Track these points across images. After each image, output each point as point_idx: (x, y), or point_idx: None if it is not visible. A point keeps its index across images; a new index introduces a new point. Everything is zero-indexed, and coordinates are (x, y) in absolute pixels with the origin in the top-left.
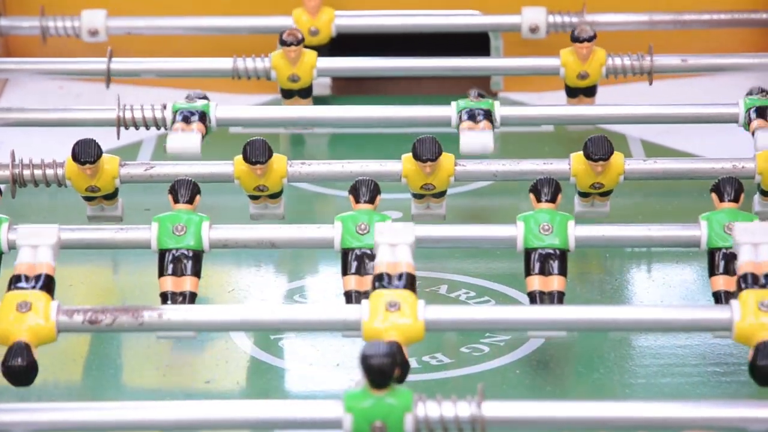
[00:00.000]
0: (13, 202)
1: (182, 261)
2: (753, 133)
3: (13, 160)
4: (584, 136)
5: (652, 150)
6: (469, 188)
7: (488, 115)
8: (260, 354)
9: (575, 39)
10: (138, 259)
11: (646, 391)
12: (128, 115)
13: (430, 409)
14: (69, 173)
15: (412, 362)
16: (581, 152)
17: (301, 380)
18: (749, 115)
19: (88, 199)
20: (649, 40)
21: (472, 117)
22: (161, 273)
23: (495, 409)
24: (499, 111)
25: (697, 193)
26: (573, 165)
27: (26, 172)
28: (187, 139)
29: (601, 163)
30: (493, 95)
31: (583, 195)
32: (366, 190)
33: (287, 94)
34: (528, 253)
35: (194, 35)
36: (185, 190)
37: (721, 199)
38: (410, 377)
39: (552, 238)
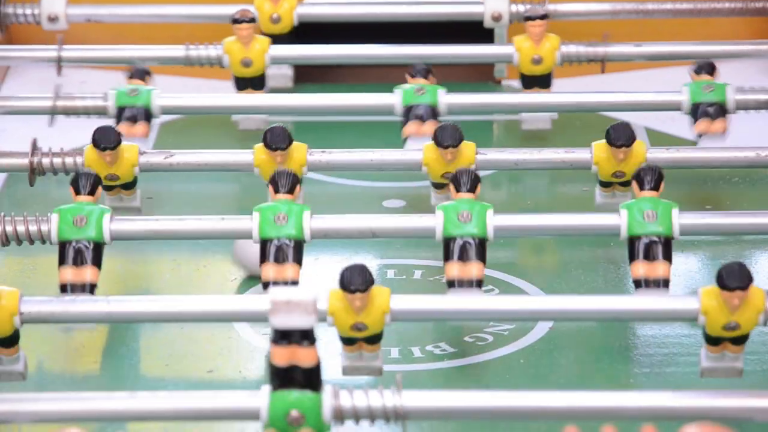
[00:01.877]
0: (31, 190)
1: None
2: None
3: (34, 148)
4: (587, 124)
5: (657, 138)
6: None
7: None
8: (263, 343)
9: (527, 18)
10: (146, 246)
11: (650, 381)
12: (69, 103)
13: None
14: (88, 161)
15: (416, 351)
16: (603, 140)
17: None
18: (693, 111)
19: (106, 188)
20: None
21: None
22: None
23: (480, 398)
24: (449, 99)
25: (702, 181)
26: (595, 153)
27: (45, 161)
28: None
29: (623, 149)
30: (497, 83)
31: (605, 185)
32: (467, 179)
33: (240, 84)
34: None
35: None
36: (285, 180)
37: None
38: (416, 366)
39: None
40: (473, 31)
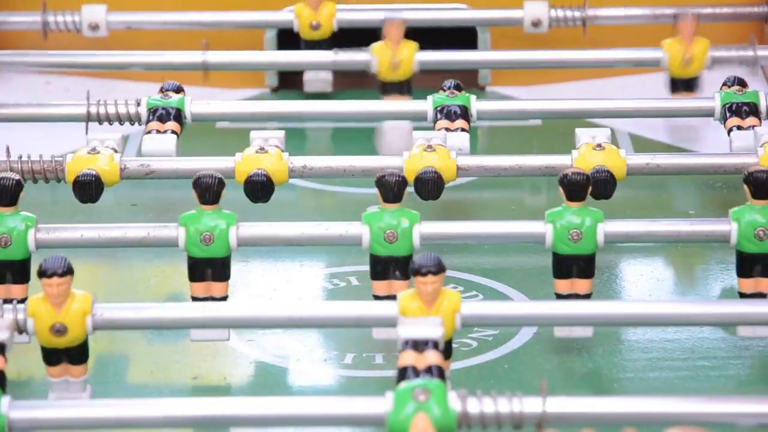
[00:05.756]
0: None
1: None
2: (729, 132)
3: (8, 155)
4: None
5: (640, 143)
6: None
7: (464, 112)
8: (247, 350)
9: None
10: (139, 254)
11: (634, 386)
12: (101, 110)
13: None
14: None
15: None
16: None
17: (289, 376)
18: (725, 111)
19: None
20: (651, 33)
21: (448, 115)
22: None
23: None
24: (479, 106)
25: (685, 187)
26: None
27: (24, 167)
28: (162, 140)
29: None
30: (481, 89)
31: None
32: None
33: (386, 89)
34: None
35: (194, 30)
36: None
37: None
38: None
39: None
40: (455, 36)
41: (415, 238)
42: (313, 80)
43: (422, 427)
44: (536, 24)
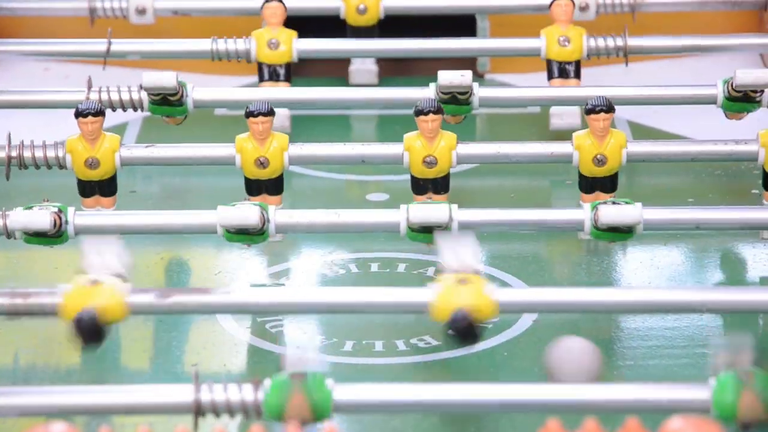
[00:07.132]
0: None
1: None
2: None
3: (9, 142)
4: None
5: (639, 131)
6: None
7: None
8: (247, 337)
9: None
10: (131, 239)
11: (634, 373)
12: (103, 96)
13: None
14: (69, 147)
15: (400, 344)
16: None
17: None
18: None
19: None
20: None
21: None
22: None
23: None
24: (481, 92)
25: (684, 173)
26: (575, 141)
27: (26, 154)
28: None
29: (603, 115)
30: (480, 76)
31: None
32: None
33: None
34: None
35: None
36: None
37: None
38: (398, 360)
39: None
40: (455, 24)
41: None
42: (359, 71)
43: None
44: (583, 8)
